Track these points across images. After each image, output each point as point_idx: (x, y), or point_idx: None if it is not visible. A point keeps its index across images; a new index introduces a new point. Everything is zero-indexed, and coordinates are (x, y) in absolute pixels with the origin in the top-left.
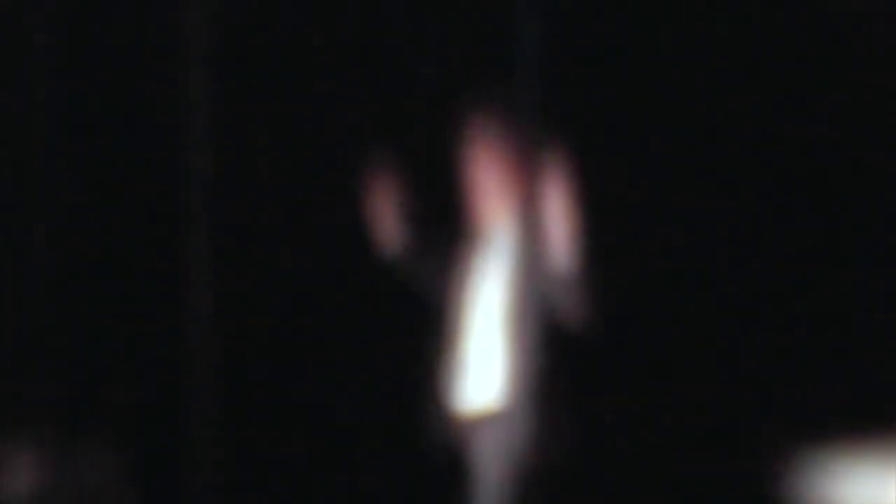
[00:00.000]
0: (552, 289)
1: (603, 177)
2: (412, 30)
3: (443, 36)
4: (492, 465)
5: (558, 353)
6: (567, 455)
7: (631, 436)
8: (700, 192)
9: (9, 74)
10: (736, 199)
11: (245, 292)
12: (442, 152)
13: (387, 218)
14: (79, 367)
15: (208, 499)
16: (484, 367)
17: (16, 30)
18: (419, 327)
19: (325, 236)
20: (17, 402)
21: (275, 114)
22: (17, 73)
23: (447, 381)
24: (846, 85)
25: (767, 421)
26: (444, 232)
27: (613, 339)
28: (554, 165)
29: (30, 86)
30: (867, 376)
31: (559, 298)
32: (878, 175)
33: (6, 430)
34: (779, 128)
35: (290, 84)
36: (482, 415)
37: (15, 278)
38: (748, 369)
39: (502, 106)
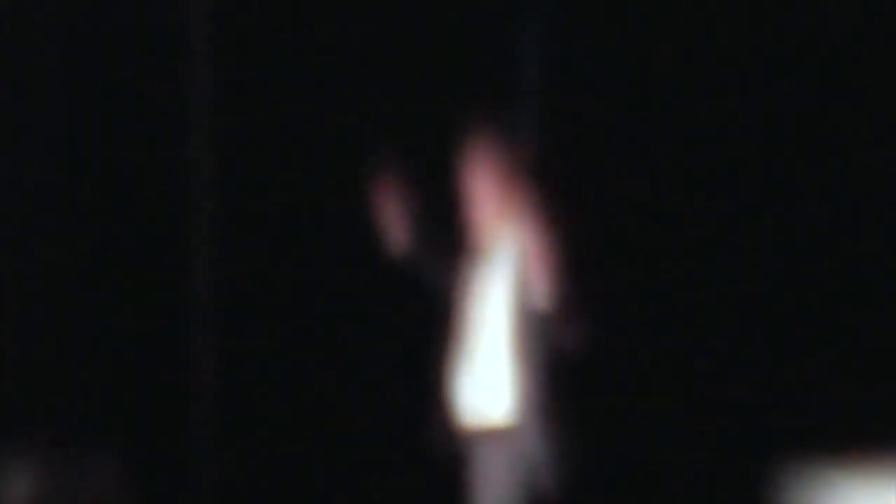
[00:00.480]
0: (549, 308)
1: (598, 196)
2: (416, 49)
3: (446, 57)
4: (495, 477)
5: (562, 368)
6: (569, 468)
7: (631, 449)
8: (695, 210)
9: (10, 74)
10: (728, 221)
11: (249, 306)
12: (444, 171)
13: (392, 232)
14: (79, 371)
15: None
16: (489, 382)
17: (17, 29)
18: (427, 340)
19: (332, 248)
20: (17, 407)
21: (277, 131)
22: (18, 73)
23: (452, 393)
24: (843, 107)
25: (765, 432)
26: (448, 248)
27: (610, 358)
28: (546, 188)
29: (32, 85)
30: (864, 392)
31: (553, 318)
32: (870, 203)
33: (6, 435)
34: (767, 159)
35: (290, 101)
36: (487, 428)
37: (16, 281)
38: (746, 382)
39: (502, 125)
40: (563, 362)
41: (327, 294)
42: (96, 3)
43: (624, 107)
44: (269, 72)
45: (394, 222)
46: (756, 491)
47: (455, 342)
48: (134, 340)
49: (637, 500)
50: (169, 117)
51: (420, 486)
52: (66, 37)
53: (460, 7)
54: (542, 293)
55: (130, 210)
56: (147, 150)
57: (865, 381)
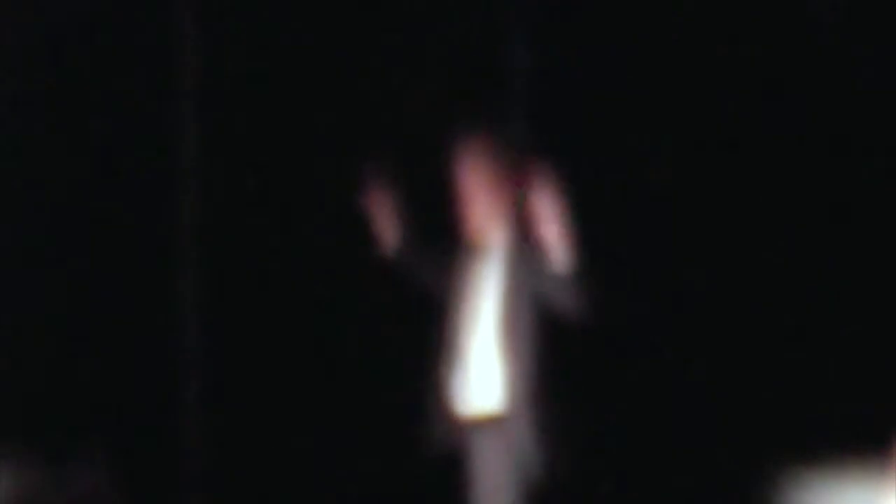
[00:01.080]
0: (548, 292)
1: (592, 183)
2: (409, 48)
3: (437, 55)
4: (489, 466)
5: (556, 355)
6: (564, 457)
7: (624, 440)
8: (690, 194)
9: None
10: (727, 203)
11: (240, 302)
12: (436, 167)
13: (385, 227)
14: (66, 374)
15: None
16: (484, 372)
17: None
18: (419, 333)
19: (325, 243)
20: (4, 409)
21: (267, 128)
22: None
23: (448, 385)
24: (835, 105)
25: (760, 426)
26: (441, 243)
27: (608, 342)
28: (544, 175)
29: (19, 86)
30: (857, 394)
31: (556, 301)
32: (872, 196)
33: None
34: (763, 156)
35: (281, 99)
36: (480, 418)
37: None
38: (742, 381)
39: (494, 121)
40: (555, 351)
41: (320, 289)
42: (85, 6)
43: (614, 103)
44: (260, 69)
45: (387, 217)
46: (751, 481)
47: (448, 334)
48: (121, 342)
49: (631, 490)
50: (157, 116)
51: (415, 477)
52: (57, 38)
53: (452, 6)
54: (558, 257)
55: (119, 210)
56: (135, 152)
57: (860, 382)
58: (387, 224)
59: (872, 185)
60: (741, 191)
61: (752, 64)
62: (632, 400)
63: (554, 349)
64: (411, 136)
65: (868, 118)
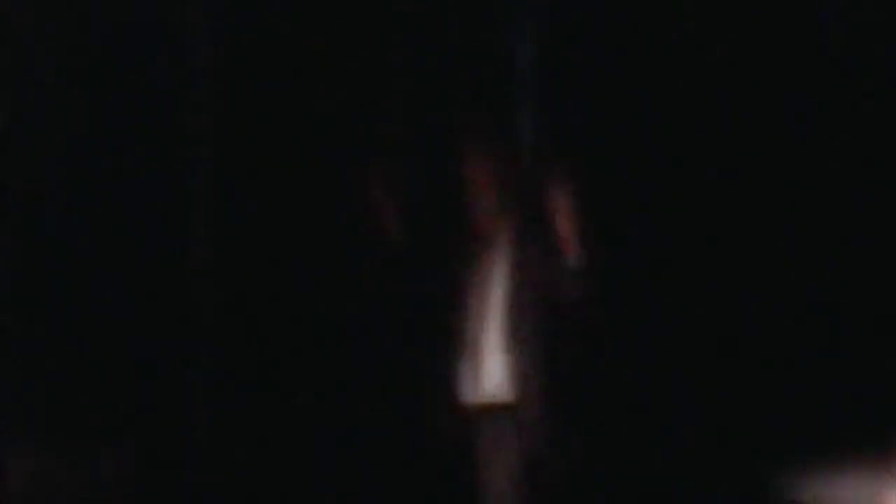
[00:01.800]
0: (557, 283)
1: (604, 177)
2: (414, 43)
3: (443, 48)
4: (497, 454)
5: (565, 346)
6: (572, 450)
7: (629, 432)
8: (697, 194)
9: (10, 73)
10: (731, 201)
11: (250, 295)
12: (443, 158)
13: (392, 220)
14: (77, 369)
15: (208, 491)
16: (492, 362)
17: (15, 28)
18: (427, 324)
19: (330, 231)
20: (16, 404)
21: (275, 122)
22: (17, 73)
23: (455, 376)
24: (845, 109)
25: (758, 431)
26: (448, 236)
27: (616, 334)
28: (556, 169)
29: (28, 84)
30: (857, 390)
31: (564, 292)
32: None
33: (5, 432)
34: (767, 160)
35: (288, 95)
36: (491, 409)
37: (14, 279)
38: (745, 371)
39: (502, 113)
40: (564, 342)
41: (326, 282)
42: (92, 4)
43: (621, 97)
44: (266, 65)
45: (393, 210)
46: (751, 480)
47: (455, 325)
48: (133, 338)
49: (633, 483)
50: (165, 114)
51: (422, 468)
52: (63, 35)
53: (458, 3)
54: (569, 252)
55: (129, 206)
56: (144, 149)
57: (860, 382)
58: (393, 216)
59: (873, 186)
60: (746, 189)
61: (760, 60)
62: (636, 394)
63: (563, 340)
64: (417, 128)
65: (868, 118)
